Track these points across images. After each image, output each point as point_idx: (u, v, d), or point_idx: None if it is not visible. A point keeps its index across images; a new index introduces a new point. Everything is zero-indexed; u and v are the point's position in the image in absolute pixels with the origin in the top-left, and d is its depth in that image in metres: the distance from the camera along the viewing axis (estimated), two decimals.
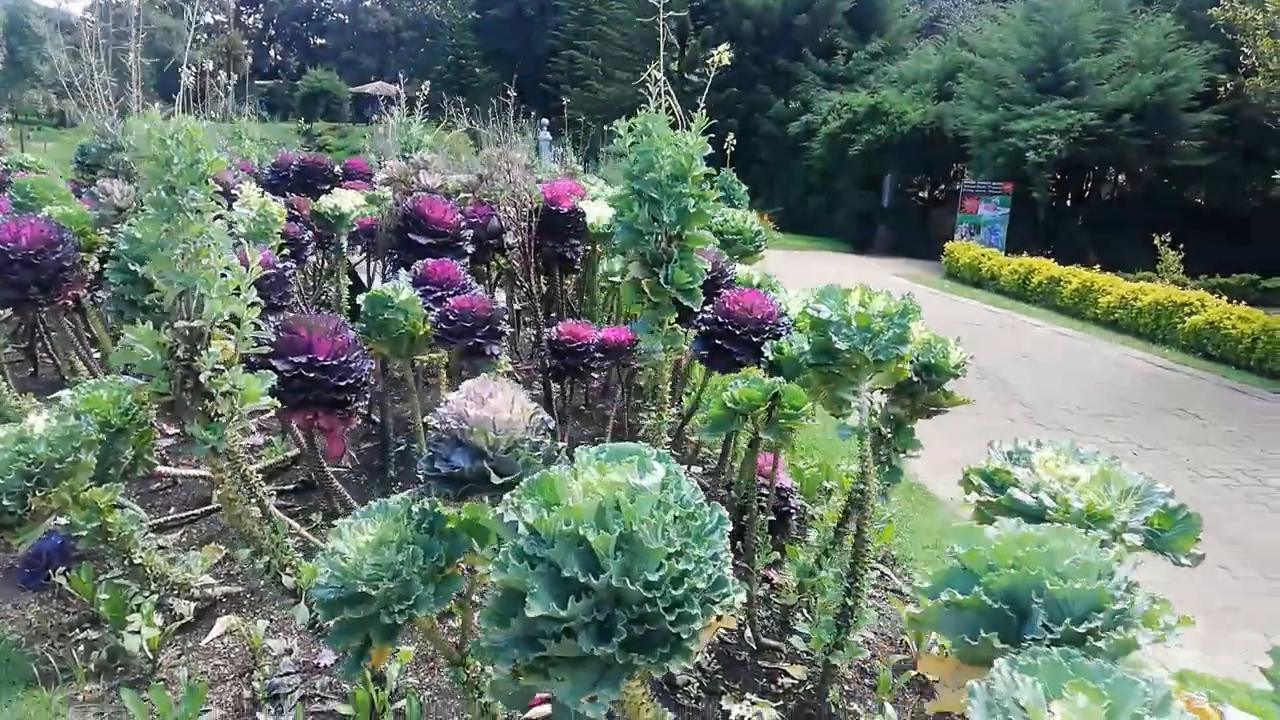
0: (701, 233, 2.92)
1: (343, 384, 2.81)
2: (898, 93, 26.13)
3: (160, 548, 3.59)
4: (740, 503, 3.73)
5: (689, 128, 2.88)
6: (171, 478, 4.59)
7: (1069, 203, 23.11)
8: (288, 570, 2.77)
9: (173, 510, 4.46)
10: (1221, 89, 19.46)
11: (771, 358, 3.42)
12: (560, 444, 2.34)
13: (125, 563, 3.20)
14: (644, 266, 2.90)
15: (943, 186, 26.95)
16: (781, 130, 28.35)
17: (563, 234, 5.53)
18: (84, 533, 3.06)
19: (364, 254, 7.76)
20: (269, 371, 2.62)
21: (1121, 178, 22.82)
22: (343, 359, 2.83)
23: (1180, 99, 19.42)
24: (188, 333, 2.48)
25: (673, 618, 1.49)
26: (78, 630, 3.44)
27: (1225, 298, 12.60)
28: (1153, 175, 20.95)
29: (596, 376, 5.21)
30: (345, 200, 6.86)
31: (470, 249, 4.77)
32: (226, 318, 2.50)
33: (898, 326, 2.79)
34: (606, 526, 1.51)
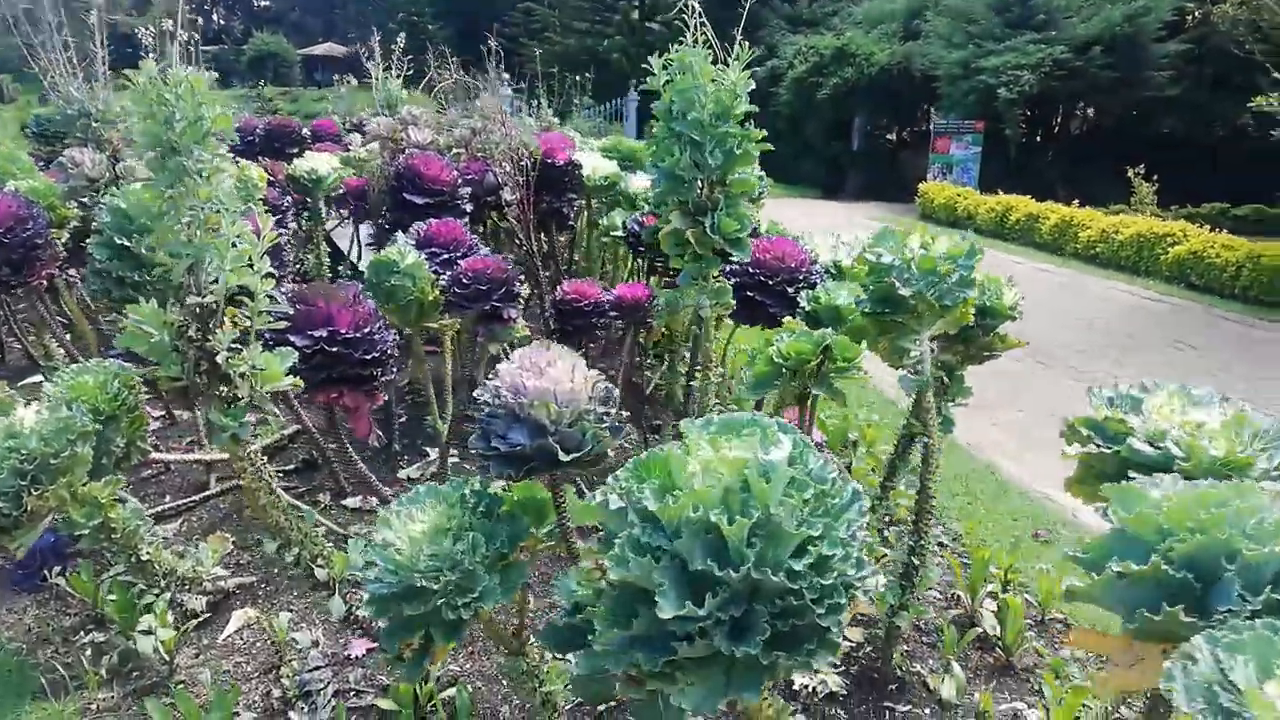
0: (747, 177, 2.69)
1: (368, 358, 2.58)
2: (864, 34, 25.77)
3: (164, 540, 3.36)
4: None
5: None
6: (163, 464, 4.32)
7: (1039, 139, 23.01)
8: (319, 562, 2.56)
9: (168, 499, 4.20)
10: (1189, 18, 19.36)
11: (808, 308, 3.22)
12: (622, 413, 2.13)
13: (131, 560, 2.97)
14: (686, 216, 2.68)
15: (911, 128, 26.73)
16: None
17: (559, 188, 5.28)
18: (86, 531, 2.83)
19: (340, 220, 7.44)
20: (288, 348, 2.38)
21: (1091, 111, 22.71)
22: (365, 330, 2.59)
23: (1149, 29, 19.29)
24: (199, 310, 2.23)
25: (821, 609, 1.31)
26: (82, 633, 3.21)
27: (1202, 227, 12.58)
28: (1122, 108, 20.87)
29: (602, 334, 5.01)
30: (321, 163, 6.54)
31: (469, 207, 4.51)
32: (238, 291, 2.25)
33: (964, 269, 2.60)
34: (738, 511, 1.32)
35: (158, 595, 3.07)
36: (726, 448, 1.42)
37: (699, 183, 2.65)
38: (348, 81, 12.97)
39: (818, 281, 3.44)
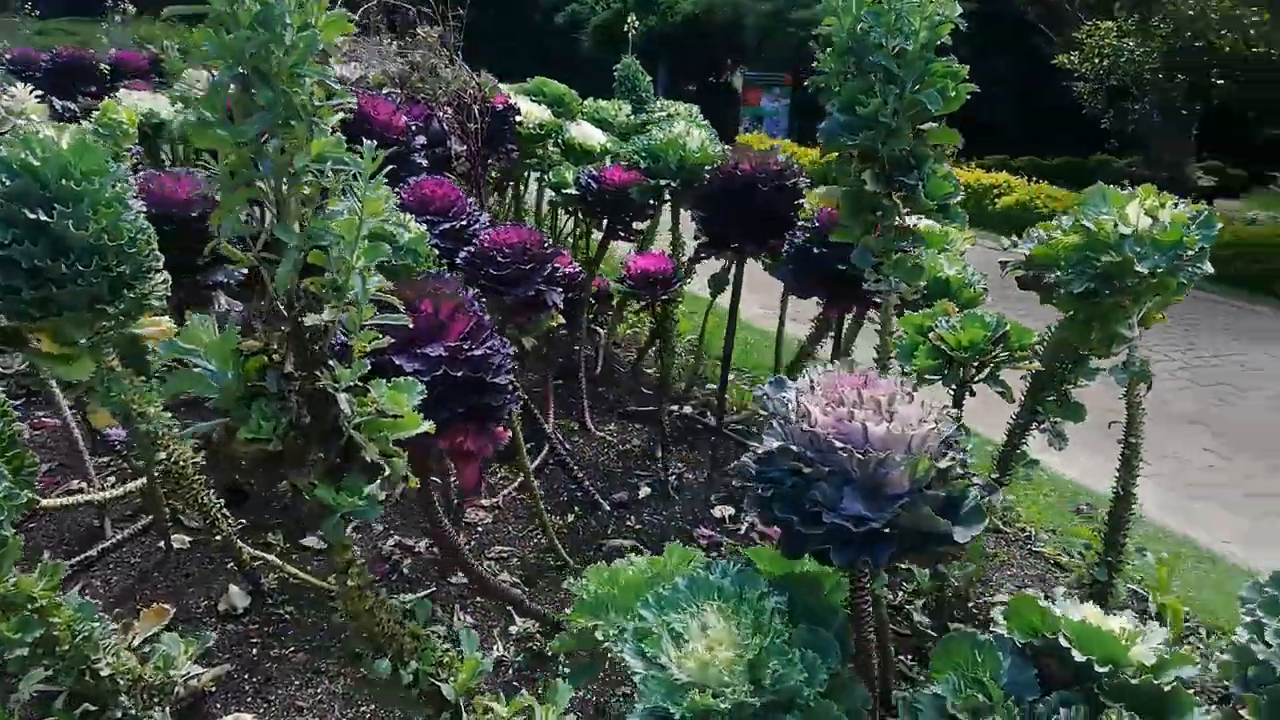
0: (949, 129, 2.13)
1: (498, 381, 1.81)
2: None
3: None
4: None
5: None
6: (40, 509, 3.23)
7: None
8: (439, 673, 1.79)
9: (48, 556, 3.12)
10: None
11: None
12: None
13: (86, 676, 2.07)
14: (879, 175, 2.08)
15: (714, 78, 26.77)
16: (547, 21, 26.85)
17: (498, 138, 4.45)
18: (22, 650, 1.92)
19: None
20: (407, 378, 1.59)
21: None
22: (488, 343, 1.82)
23: None
24: (309, 334, 1.41)
25: None
26: None
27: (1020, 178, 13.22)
28: None
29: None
30: (160, 104, 5.30)
31: (424, 161, 3.63)
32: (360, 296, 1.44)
33: (1205, 239, 2.18)
34: None
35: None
36: None
37: (898, 132, 2.05)
38: (124, 8, 11.04)
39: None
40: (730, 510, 3.35)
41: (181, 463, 2.46)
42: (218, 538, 2.57)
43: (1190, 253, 2.16)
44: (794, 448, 1.42)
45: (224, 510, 2.57)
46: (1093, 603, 2.35)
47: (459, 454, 1.82)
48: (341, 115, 1.42)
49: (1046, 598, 2.80)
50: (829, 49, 2.14)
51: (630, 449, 3.84)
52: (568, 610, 2.81)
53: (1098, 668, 1.35)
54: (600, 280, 4.92)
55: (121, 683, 2.15)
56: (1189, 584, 3.16)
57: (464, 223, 2.97)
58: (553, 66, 7.58)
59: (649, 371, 4.79)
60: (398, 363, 1.69)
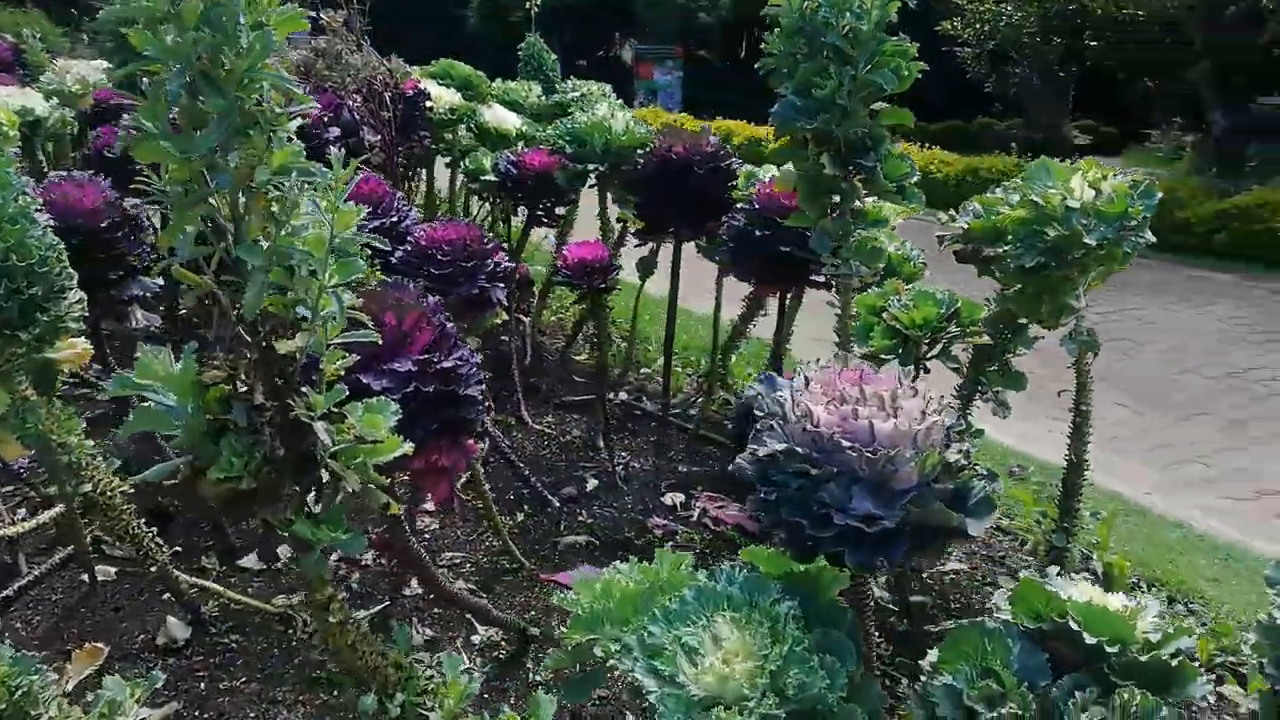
0: (901, 109, 2.12)
1: (469, 394, 1.72)
2: None
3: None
4: None
5: None
6: None
7: (736, 62, 23.79)
8: (425, 702, 1.71)
9: None
10: None
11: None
12: None
13: None
14: (837, 159, 2.05)
15: (604, 52, 26.56)
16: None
17: (410, 125, 4.28)
18: None
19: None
20: (379, 399, 1.49)
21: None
22: (454, 352, 1.73)
23: None
24: (282, 361, 1.30)
25: None
26: None
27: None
28: None
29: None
30: (33, 100, 4.94)
31: (340, 152, 3.45)
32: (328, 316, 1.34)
33: (1147, 209, 2.23)
34: None
35: None
36: None
37: (851, 114, 2.03)
38: None
39: None
40: (680, 497, 3.32)
41: (109, 492, 2.29)
42: (152, 569, 2.41)
43: (1134, 222, 2.22)
44: (799, 449, 1.38)
45: (156, 539, 2.41)
46: (1052, 567, 2.42)
47: (432, 472, 1.73)
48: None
49: (996, 561, 2.86)
50: (777, 30, 2.10)
51: (571, 440, 3.77)
52: (530, 614, 2.76)
53: (1108, 648, 1.37)
54: (521, 267, 4.81)
55: None
56: (1122, 538, 3.29)
57: (394, 219, 2.84)
58: (454, 48, 7.35)
59: (579, 359, 4.72)
60: (365, 381, 1.58)
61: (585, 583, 1.67)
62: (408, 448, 1.46)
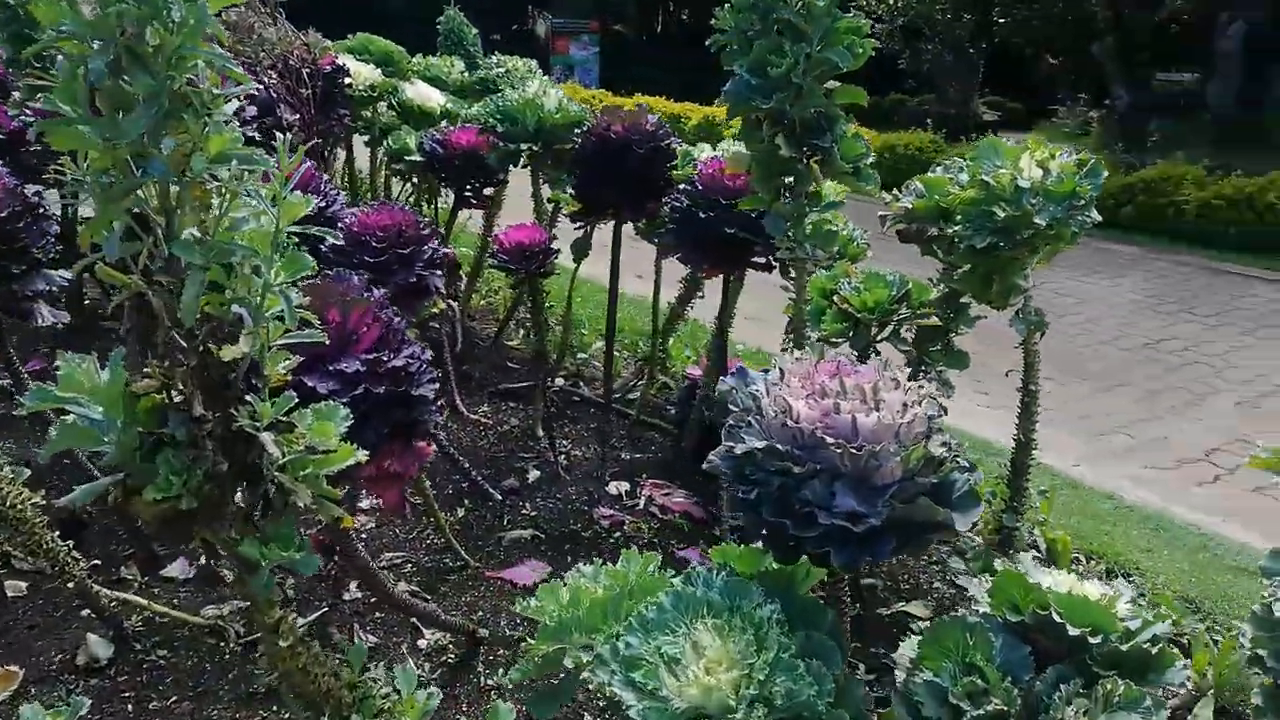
0: (854, 87, 2.07)
1: (420, 393, 1.62)
2: None
3: None
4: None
5: None
6: None
7: (645, 38, 23.66)
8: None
9: None
10: None
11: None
12: None
13: None
14: (791, 138, 2.00)
15: (518, 26, 26.08)
16: None
17: (329, 102, 4.09)
18: None
19: None
20: (329, 404, 1.39)
21: (686, 14, 23.65)
22: (404, 350, 1.62)
23: None
24: (224, 368, 1.19)
25: None
26: None
27: None
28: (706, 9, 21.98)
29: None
30: None
31: (255, 135, 3.27)
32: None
33: (1094, 188, 2.24)
34: None
35: None
36: None
37: (804, 93, 1.97)
38: None
39: None
40: (625, 485, 3.25)
41: (19, 506, 2.11)
42: (70, 585, 2.24)
43: (1082, 201, 2.22)
44: (780, 446, 1.32)
45: (73, 552, 2.24)
46: (1001, 547, 2.44)
47: (384, 478, 1.62)
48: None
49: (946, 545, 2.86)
50: (728, 5, 2.03)
51: (510, 430, 3.67)
52: (479, 615, 2.66)
53: (1091, 639, 1.36)
54: (448, 250, 4.66)
55: None
56: (1059, 511, 3.35)
57: (323, 204, 2.69)
58: (372, 22, 7.07)
59: (512, 345, 4.60)
60: (309, 384, 1.47)
61: (550, 590, 1.60)
62: (362, 456, 1.36)
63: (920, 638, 1.50)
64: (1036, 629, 1.41)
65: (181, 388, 1.19)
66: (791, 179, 2.07)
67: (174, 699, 2.28)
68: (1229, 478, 4.20)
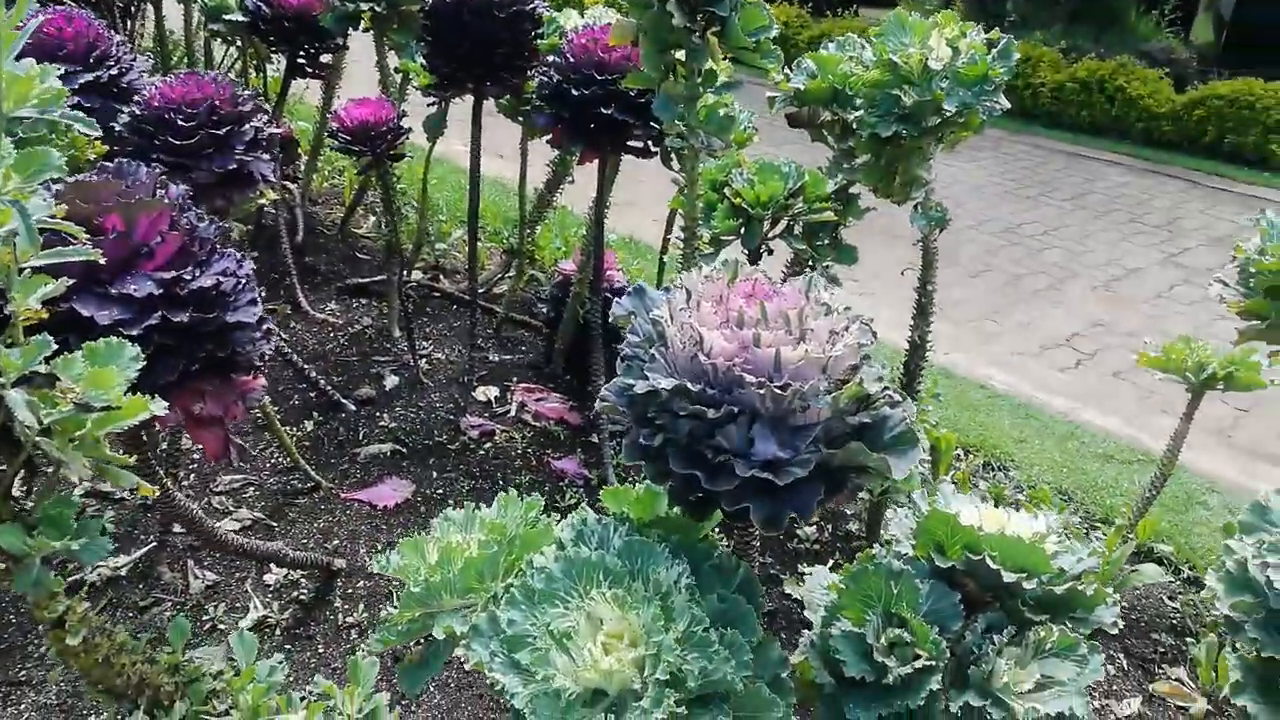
0: None
1: (237, 319, 1.31)
2: None
3: None
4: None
5: None
6: None
7: None
8: (214, 707, 1.37)
9: None
10: None
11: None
12: None
13: None
14: (684, 5, 1.71)
15: None
16: None
17: None
18: None
19: None
20: (113, 339, 1.08)
21: None
22: (213, 262, 1.30)
23: None
24: None
25: None
26: None
27: None
28: None
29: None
30: None
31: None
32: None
33: (1007, 71, 2.06)
34: None
35: None
36: None
37: None
38: None
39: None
40: (494, 391, 3.00)
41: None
42: None
43: (992, 86, 2.04)
44: (690, 386, 1.10)
45: None
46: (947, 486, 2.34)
47: (197, 422, 1.32)
48: None
49: None
50: None
51: (362, 331, 3.32)
52: (334, 544, 2.40)
53: (1025, 584, 1.23)
54: (284, 126, 4.14)
55: None
56: (937, 404, 3.31)
57: (114, 71, 2.24)
58: None
59: (360, 233, 4.18)
60: (86, 314, 1.14)
61: (414, 545, 1.36)
62: (158, 409, 1.06)
63: (837, 579, 1.35)
64: (966, 573, 1.28)
65: None
66: (684, 54, 1.79)
67: None
68: (1089, 362, 4.31)
